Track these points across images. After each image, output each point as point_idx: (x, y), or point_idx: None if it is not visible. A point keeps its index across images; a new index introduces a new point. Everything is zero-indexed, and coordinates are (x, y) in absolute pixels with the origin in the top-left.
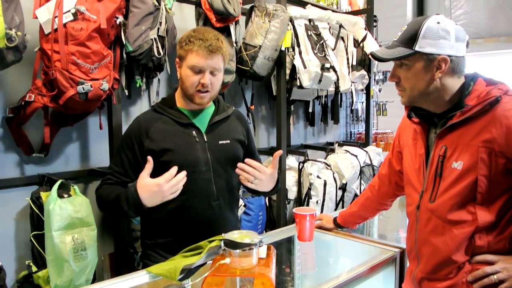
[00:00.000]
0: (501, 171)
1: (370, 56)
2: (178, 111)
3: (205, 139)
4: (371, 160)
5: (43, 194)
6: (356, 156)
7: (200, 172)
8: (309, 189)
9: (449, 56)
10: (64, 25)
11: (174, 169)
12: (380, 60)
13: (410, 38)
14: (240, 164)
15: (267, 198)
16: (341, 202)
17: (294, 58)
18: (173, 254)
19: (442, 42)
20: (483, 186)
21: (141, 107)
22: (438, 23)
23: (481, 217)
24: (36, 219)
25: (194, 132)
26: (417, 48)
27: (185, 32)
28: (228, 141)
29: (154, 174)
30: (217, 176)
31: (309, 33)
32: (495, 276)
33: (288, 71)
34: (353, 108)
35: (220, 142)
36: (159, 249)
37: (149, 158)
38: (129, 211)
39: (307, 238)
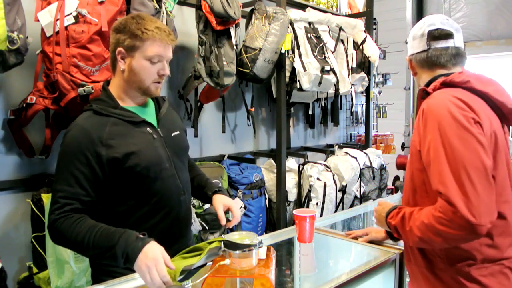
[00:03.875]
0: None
1: None
2: (124, 110)
3: (161, 134)
4: (371, 162)
5: (44, 196)
6: (356, 158)
7: (165, 169)
8: (309, 191)
9: (410, 55)
10: (66, 27)
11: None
12: None
13: None
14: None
15: (267, 200)
16: (341, 204)
17: (294, 61)
18: None
19: (408, 46)
20: (418, 179)
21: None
22: (413, 30)
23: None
24: (37, 221)
25: (148, 128)
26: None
27: (117, 21)
28: (178, 132)
29: (120, 183)
30: (179, 170)
31: (309, 36)
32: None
33: (288, 74)
34: (353, 110)
35: (172, 134)
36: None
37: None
38: (118, 260)
39: (307, 239)
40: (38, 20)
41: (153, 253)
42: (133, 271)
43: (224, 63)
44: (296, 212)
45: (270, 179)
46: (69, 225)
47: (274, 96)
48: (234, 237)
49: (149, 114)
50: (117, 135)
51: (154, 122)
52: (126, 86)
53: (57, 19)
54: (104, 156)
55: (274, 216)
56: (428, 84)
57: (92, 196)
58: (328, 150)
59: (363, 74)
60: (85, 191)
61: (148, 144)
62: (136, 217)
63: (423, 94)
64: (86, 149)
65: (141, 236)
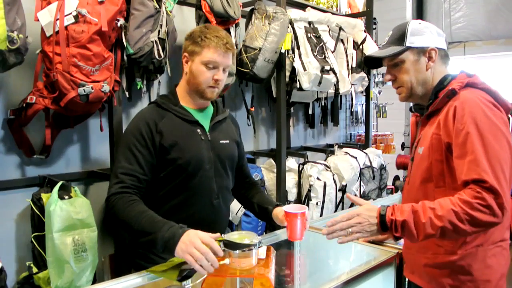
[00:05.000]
0: (451, 158)
1: (365, 64)
2: (182, 109)
3: (209, 138)
4: (370, 162)
5: (44, 196)
6: (355, 158)
7: (204, 170)
8: (309, 190)
9: (437, 47)
10: (66, 27)
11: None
12: (374, 64)
13: (399, 38)
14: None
15: None
16: (340, 204)
17: (294, 61)
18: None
19: (428, 37)
20: (437, 169)
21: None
22: (420, 23)
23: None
24: (36, 220)
25: (199, 130)
26: (407, 44)
27: (190, 31)
28: (228, 141)
29: (163, 170)
30: (218, 175)
31: (309, 36)
32: (350, 230)
33: (288, 73)
34: (352, 110)
35: (221, 141)
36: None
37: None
38: (157, 245)
39: (298, 237)
40: (38, 20)
41: (193, 232)
42: (164, 259)
43: None
44: (286, 208)
45: (270, 178)
46: (122, 204)
47: (274, 96)
48: (234, 236)
49: (204, 118)
50: (170, 127)
51: (207, 126)
52: (188, 88)
53: (57, 19)
54: (157, 142)
55: None
56: (442, 82)
57: (148, 176)
58: (328, 150)
59: (363, 74)
60: (142, 170)
61: (194, 142)
62: (167, 208)
63: (450, 94)
64: (145, 132)
65: (182, 225)
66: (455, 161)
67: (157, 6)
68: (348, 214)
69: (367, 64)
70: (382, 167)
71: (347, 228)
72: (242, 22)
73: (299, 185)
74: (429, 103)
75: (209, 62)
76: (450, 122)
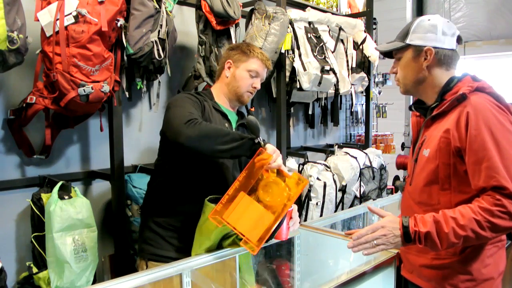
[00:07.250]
0: (460, 162)
1: (380, 52)
2: (216, 104)
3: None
4: (370, 162)
5: (44, 196)
6: (355, 158)
7: (226, 167)
8: (309, 191)
9: (435, 47)
10: (66, 27)
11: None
12: (381, 52)
13: (404, 34)
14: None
15: None
16: (340, 204)
17: (294, 61)
18: (177, 232)
19: (429, 36)
20: (444, 172)
21: (142, 109)
22: (429, 20)
23: (443, 203)
24: (37, 221)
25: (227, 124)
26: (408, 41)
27: (233, 44)
28: None
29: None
30: (235, 170)
31: (309, 36)
32: (375, 242)
33: (288, 74)
34: (352, 110)
35: None
36: (165, 228)
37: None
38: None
39: (284, 236)
40: (38, 20)
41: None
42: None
43: None
44: None
45: None
46: (205, 124)
47: (274, 96)
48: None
49: (231, 119)
50: (208, 112)
51: (233, 125)
52: (226, 89)
53: (57, 19)
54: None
55: None
56: (448, 84)
57: None
58: (328, 150)
59: (363, 74)
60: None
61: None
62: (186, 191)
63: (461, 98)
64: (200, 101)
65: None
66: (469, 166)
67: (157, 6)
68: (373, 227)
69: (383, 53)
70: (382, 167)
71: (372, 241)
72: (242, 22)
73: None
74: (435, 105)
75: (253, 71)
76: (463, 128)
